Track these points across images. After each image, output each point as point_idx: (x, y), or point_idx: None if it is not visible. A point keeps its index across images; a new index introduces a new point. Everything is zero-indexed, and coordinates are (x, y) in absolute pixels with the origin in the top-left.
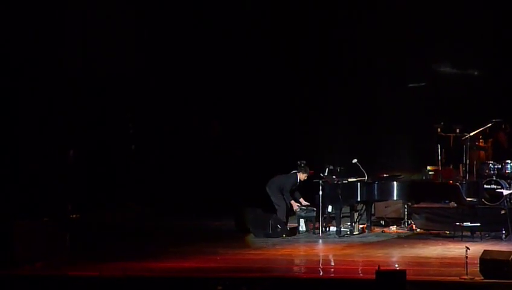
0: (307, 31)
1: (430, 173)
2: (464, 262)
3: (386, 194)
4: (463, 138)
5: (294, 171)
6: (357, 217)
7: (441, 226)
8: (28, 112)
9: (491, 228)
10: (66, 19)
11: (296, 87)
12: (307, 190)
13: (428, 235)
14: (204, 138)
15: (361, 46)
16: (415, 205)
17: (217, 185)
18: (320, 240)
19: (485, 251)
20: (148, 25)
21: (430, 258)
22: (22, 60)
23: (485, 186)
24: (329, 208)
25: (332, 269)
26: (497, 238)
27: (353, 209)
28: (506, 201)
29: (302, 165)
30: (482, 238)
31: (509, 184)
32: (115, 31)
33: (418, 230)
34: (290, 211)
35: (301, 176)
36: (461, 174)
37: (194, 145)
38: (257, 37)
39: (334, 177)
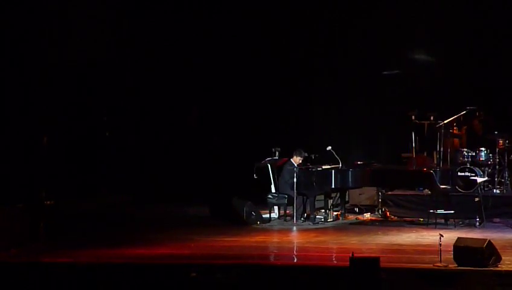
0: (282, 21)
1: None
2: (437, 249)
3: (360, 181)
4: (437, 126)
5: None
6: (331, 204)
7: (415, 214)
8: (2, 97)
9: (465, 216)
10: (43, 4)
11: (271, 76)
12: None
13: (402, 223)
14: (182, 126)
15: (334, 34)
16: (389, 192)
17: (192, 172)
18: (295, 227)
19: (458, 238)
20: (126, 13)
21: (404, 245)
22: None
23: (459, 173)
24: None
25: (306, 256)
26: (471, 225)
27: (327, 197)
28: (480, 189)
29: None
30: (455, 226)
31: (483, 172)
32: (91, 18)
33: (392, 217)
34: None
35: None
36: (435, 161)
37: (170, 132)
38: (236, 26)
39: (308, 164)
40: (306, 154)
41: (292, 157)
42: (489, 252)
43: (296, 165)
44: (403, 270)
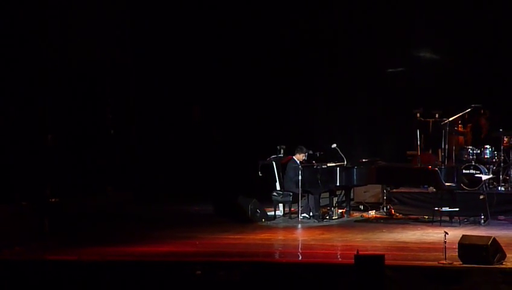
0: (284, 17)
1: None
2: (442, 247)
3: (365, 178)
4: (442, 123)
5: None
6: (336, 201)
7: (420, 211)
8: (7, 95)
9: (469, 213)
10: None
11: (276, 74)
12: (284, 174)
13: (407, 220)
14: (186, 123)
15: (339, 32)
16: (394, 190)
17: (196, 170)
18: (299, 225)
19: (463, 235)
20: (130, 10)
21: (408, 243)
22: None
23: (464, 171)
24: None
25: (311, 254)
26: (476, 223)
27: (332, 194)
28: (485, 186)
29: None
30: (460, 223)
31: (488, 169)
32: (95, 14)
33: (397, 215)
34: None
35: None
36: (440, 159)
37: (173, 131)
38: (237, 25)
39: (313, 161)
40: (308, 151)
41: (294, 155)
42: (494, 249)
43: (299, 162)
44: (407, 267)
